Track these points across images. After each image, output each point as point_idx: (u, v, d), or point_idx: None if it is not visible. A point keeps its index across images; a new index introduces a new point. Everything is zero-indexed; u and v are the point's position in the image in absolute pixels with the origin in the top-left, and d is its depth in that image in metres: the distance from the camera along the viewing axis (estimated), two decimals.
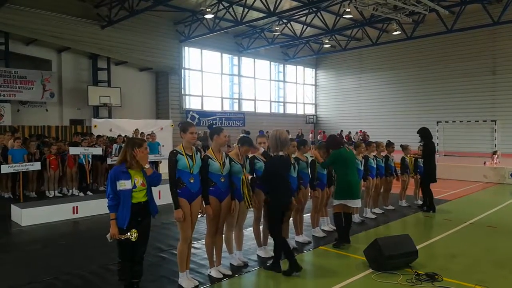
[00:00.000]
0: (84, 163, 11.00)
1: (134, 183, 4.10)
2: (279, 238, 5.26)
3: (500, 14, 19.48)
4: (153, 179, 4.28)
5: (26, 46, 18.99)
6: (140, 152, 4.13)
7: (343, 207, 6.32)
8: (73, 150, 10.82)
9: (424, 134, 8.96)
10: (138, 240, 4.10)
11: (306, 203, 6.66)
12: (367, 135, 26.02)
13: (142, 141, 4.31)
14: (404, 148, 9.75)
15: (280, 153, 5.33)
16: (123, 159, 4.15)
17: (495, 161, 16.11)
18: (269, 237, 6.08)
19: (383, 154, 9.04)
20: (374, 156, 8.57)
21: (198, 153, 4.75)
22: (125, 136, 13.13)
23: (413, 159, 9.65)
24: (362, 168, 7.88)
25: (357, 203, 6.40)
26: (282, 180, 5.29)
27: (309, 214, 7.02)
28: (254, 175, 5.52)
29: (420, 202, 9.52)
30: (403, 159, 9.62)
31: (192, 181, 4.58)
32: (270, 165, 5.32)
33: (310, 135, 28.69)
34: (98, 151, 11.26)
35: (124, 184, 4.04)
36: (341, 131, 27.51)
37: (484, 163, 15.60)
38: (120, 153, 4.28)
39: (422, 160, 9.30)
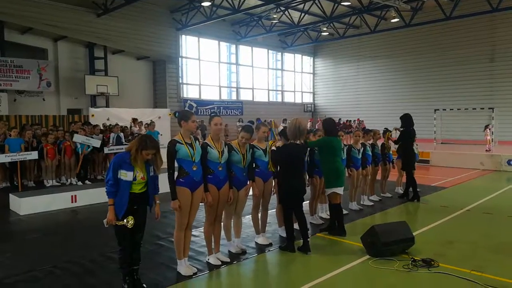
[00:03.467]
0: (80, 153, 10.97)
1: (135, 176, 4.09)
2: (287, 221, 5.56)
3: (499, 1, 19.36)
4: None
5: (22, 35, 18.80)
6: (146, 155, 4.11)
7: (336, 196, 6.26)
8: (76, 138, 10.80)
9: (406, 120, 8.80)
10: (135, 226, 4.10)
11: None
12: (363, 123, 26.05)
13: (150, 146, 4.10)
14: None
15: (297, 141, 5.51)
16: (130, 149, 4.12)
17: (488, 136, 16.89)
18: (267, 224, 6.14)
19: (380, 142, 9.05)
20: (371, 144, 8.58)
21: (197, 141, 4.75)
22: (116, 124, 13.04)
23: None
24: (359, 157, 7.90)
25: (341, 190, 6.33)
26: (294, 166, 5.48)
27: (307, 201, 7.05)
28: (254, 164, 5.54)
29: (401, 191, 9.43)
30: (399, 146, 9.59)
31: (195, 169, 4.55)
32: (284, 150, 5.55)
33: (309, 123, 28.67)
34: (97, 143, 11.23)
35: (125, 175, 4.03)
36: (339, 119, 27.50)
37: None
38: (130, 143, 4.25)
39: (396, 146, 9.16)
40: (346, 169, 7.38)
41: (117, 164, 4.05)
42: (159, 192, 4.40)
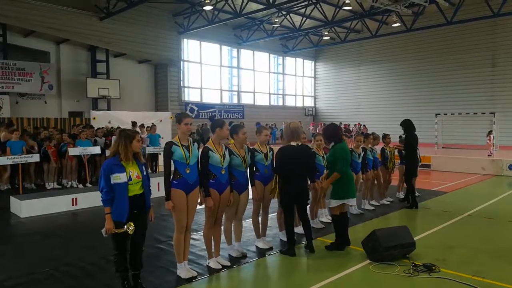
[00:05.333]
0: (83, 156, 10.99)
1: (130, 176, 4.02)
2: (288, 224, 5.54)
3: (500, 6, 19.41)
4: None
5: (24, 38, 18.91)
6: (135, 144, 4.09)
7: (342, 207, 5.89)
8: (72, 151, 10.78)
9: (407, 126, 8.63)
10: (136, 232, 4.06)
11: None
12: (366, 127, 26.05)
13: (134, 133, 4.18)
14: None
15: (293, 143, 5.49)
16: (115, 151, 4.06)
17: (491, 141, 16.98)
18: (268, 228, 6.13)
19: (379, 146, 9.04)
20: (371, 148, 8.59)
21: (195, 143, 4.75)
22: (118, 128, 13.16)
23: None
24: (360, 161, 7.89)
25: (354, 201, 5.99)
26: (294, 168, 5.43)
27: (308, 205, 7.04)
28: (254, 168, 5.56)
29: (402, 196, 9.36)
30: (400, 151, 9.60)
31: (188, 171, 4.56)
32: (281, 154, 5.51)
33: (311, 127, 28.69)
34: (96, 150, 11.22)
35: (119, 178, 3.96)
36: (340, 123, 27.52)
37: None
38: (112, 145, 4.21)
39: (402, 152, 9.09)
40: None
41: (107, 170, 3.97)
42: (160, 196, 4.39)
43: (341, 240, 5.79)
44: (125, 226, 3.98)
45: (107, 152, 11.46)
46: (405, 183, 9.02)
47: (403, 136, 9.00)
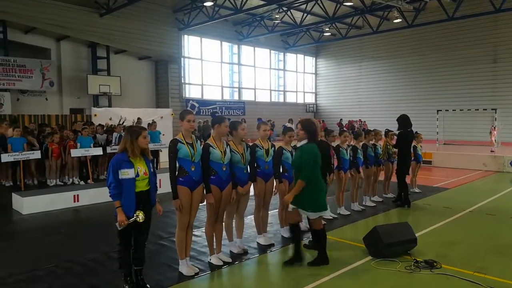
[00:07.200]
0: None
1: (137, 172, 4.08)
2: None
3: (502, 1, 19.31)
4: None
5: (25, 35, 18.85)
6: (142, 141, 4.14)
7: (321, 219, 5.19)
8: (74, 153, 10.79)
9: (403, 121, 8.42)
10: (140, 227, 4.12)
11: None
12: (366, 124, 26.01)
13: (141, 129, 4.27)
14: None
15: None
16: (123, 148, 4.12)
17: (494, 136, 17.37)
18: (269, 225, 6.13)
19: (381, 142, 9.00)
20: (373, 144, 8.56)
21: (198, 141, 4.76)
22: (119, 124, 13.25)
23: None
24: (347, 158, 7.78)
25: (329, 213, 5.41)
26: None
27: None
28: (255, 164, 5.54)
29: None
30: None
31: (193, 169, 4.58)
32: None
33: None
34: (98, 151, 11.23)
35: (126, 173, 4.02)
36: (341, 119, 27.56)
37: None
38: (120, 142, 4.26)
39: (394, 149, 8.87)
40: (334, 171, 7.26)
41: (115, 166, 4.03)
42: (162, 192, 4.40)
43: (324, 255, 5.09)
44: (135, 215, 4.03)
45: (108, 149, 11.50)
46: (397, 180, 8.80)
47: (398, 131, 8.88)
